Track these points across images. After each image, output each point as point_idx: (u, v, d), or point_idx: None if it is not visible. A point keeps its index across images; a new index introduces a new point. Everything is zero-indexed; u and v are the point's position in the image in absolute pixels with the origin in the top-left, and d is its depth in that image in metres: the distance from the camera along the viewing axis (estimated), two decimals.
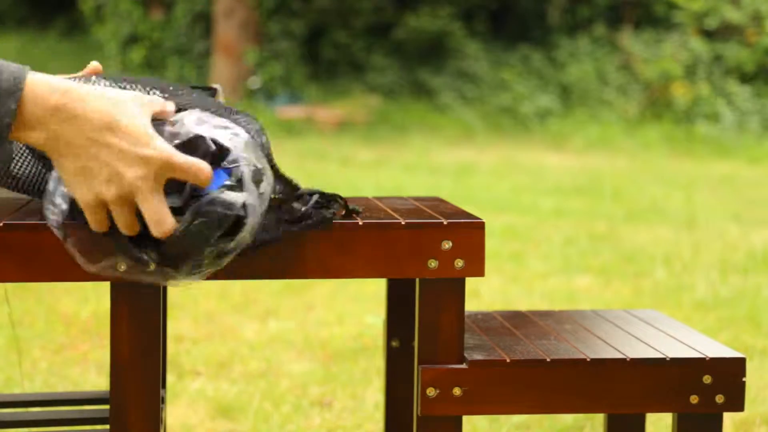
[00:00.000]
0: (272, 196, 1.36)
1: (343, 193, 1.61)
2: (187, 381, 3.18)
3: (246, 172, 1.29)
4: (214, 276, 1.42)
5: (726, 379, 1.53)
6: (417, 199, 1.74)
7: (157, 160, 1.24)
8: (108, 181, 1.24)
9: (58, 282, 1.41)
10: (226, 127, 1.32)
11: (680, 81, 13.04)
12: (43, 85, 1.23)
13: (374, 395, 3.09)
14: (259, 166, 1.31)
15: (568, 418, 2.88)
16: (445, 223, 1.45)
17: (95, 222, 1.29)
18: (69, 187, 1.27)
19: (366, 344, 3.62)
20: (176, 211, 1.28)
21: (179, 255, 1.30)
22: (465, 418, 1.55)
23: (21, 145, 1.43)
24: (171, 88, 1.39)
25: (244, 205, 1.29)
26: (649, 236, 5.99)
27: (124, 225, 1.28)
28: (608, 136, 12.00)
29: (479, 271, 1.46)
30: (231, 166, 1.29)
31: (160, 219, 1.26)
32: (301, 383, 3.19)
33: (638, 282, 4.71)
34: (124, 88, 1.37)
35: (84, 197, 1.26)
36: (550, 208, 6.96)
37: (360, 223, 1.44)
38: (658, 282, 4.73)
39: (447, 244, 1.45)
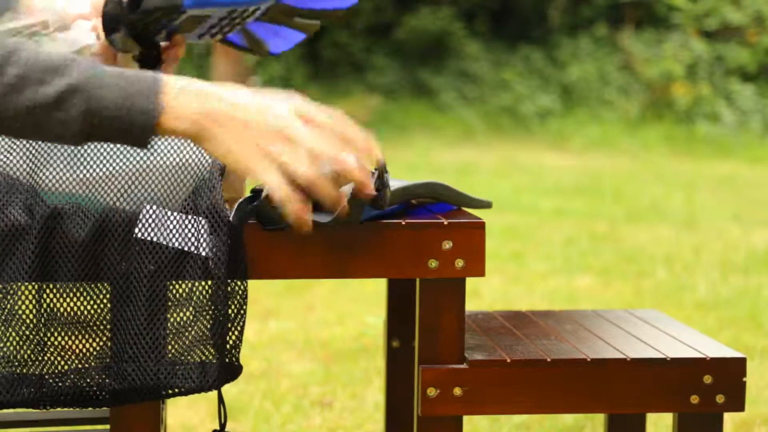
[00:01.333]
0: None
1: None
2: None
3: None
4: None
5: (726, 379, 1.53)
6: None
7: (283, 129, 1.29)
8: (260, 134, 1.27)
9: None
10: None
11: (681, 81, 13.03)
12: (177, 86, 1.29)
13: (374, 395, 3.09)
14: None
15: (568, 418, 2.88)
16: (445, 223, 1.45)
17: (273, 185, 1.27)
18: (232, 165, 1.27)
19: (366, 344, 3.62)
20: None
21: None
22: (465, 418, 1.55)
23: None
24: None
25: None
26: (650, 236, 5.99)
27: (292, 164, 1.28)
28: (609, 136, 12.00)
29: (480, 271, 1.46)
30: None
31: (314, 152, 1.28)
32: (301, 383, 3.19)
33: (639, 282, 4.71)
34: None
35: (250, 160, 1.27)
36: (550, 208, 6.96)
37: (360, 223, 1.44)
38: (659, 282, 4.73)
39: (447, 244, 1.45)
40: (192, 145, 1.41)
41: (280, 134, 1.27)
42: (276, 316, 4.00)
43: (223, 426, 1.48)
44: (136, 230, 1.35)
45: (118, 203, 1.37)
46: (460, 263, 1.45)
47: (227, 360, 1.38)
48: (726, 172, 9.57)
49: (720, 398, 1.53)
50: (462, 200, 1.59)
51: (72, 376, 1.36)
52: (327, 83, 13.41)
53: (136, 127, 1.26)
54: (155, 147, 1.40)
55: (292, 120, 1.29)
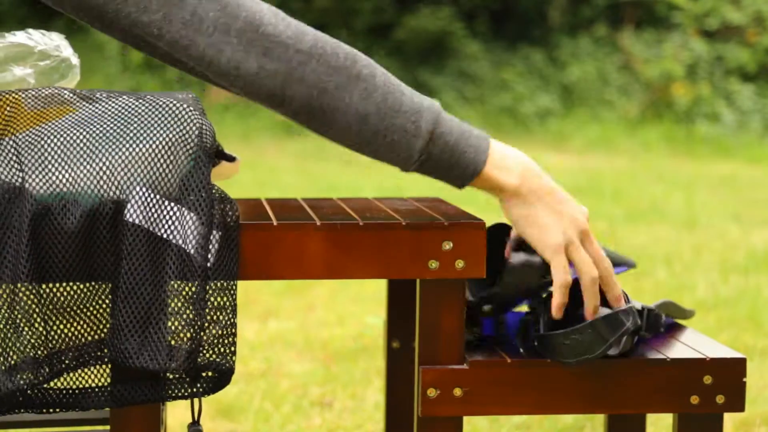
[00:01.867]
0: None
1: (344, 194, 1.61)
2: None
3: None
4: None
5: (726, 379, 1.53)
6: (417, 199, 1.74)
7: (585, 225, 1.46)
8: (571, 221, 1.43)
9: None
10: None
11: (681, 81, 13.03)
12: (505, 146, 1.45)
13: (374, 395, 3.09)
14: None
15: (568, 418, 2.88)
16: (445, 223, 1.45)
17: (560, 267, 1.44)
18: (535, 234, 1.43)
19: (366, 344, 3.62)
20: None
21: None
22: (465, 419, 1.55)
23: None
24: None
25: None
26: (650, 236, 5.99)
27: (587, 261, 1.46)
28: (609, 136, 12.00)
29: (480, 272, 1.46)
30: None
31: (601, 256, 1.47)
32: (301, 383, 3.19)
33: (639, 282, 4.71)
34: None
35: (555, 238, 1.43)
36: None
37: (361, 223, 1.44)
38: (659, 282, 4.73)
39: (447, 245, 1.45)
40: (175, 130, 1.40)
41: (582, 227, 1.44)
42: (276, 316, 4.00)
43: (197, 420, 1.47)
44: (126, 213, 1.35)
45: (106, 194, 1.37)
46: (460, 264, 1.45)
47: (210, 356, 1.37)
48: (726, 172, 9.57)
49: (720, 398, 1.53)
50: (610, 258, 1.82)
51: (70, 356, 1.37)
52: None
53: (466, 164, 1.39)
54: (139, 135, 1.39)
55: (586, 221, 1.46)
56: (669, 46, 13.42)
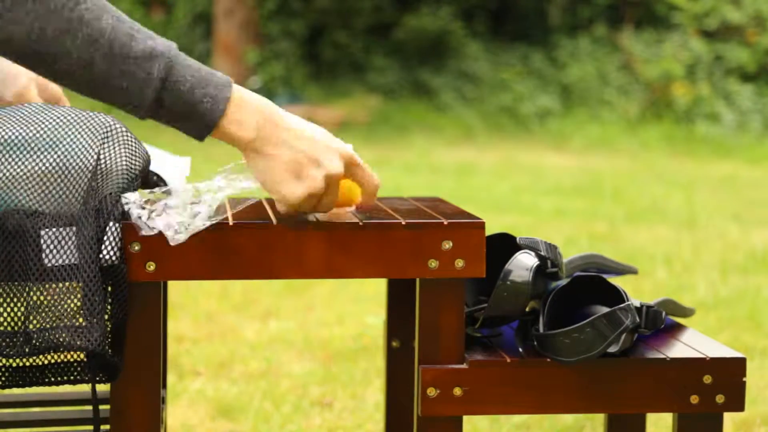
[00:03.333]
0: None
1: None
2: (187, 381, 3.18)
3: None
4: (214, 276, 1.42)
5: (726, 379, 1.53)
6: (417, 199, 1.74)
7: (345, 152, 1.40)
8: (317, 167, 1.37)
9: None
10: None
11: (681, 81, 13.04)
12: (246, 92, 1.38)
13: (374, 395, 3.09)
14: None
15: (568, 418, 2.88)
16: (445, 223, 1.45)
17: (300, 209, 1.41)
18: (274, 187, 1.38)
19: (366, 344, 3.62)
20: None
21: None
22: (465, 418, 1.55)
23: None
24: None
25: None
26: (650, 236, 5.99)
27: (329, 205, 1.41)
28: (608, 136, 12.00)
29: (480, 271, 1.46)
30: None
31: (371, 177, 1.44)
32: (301, 383, 3.19)
33: (639, 282, 4.71)
34: None
35: (295, 191, 1.37)
36: (550, 208, 6.96)
37: (360, 223, 1.44)
38: (659, 282, 4.73)
39: (447, 244, 1.45)
40: (108, 152, 1.41)
41: (331, 169, 1.39)
42: (276, 316, 4.00)
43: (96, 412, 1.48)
44: (44, 259, 1.36)
45: (22, 203, 1.38)
46: (460, 263, 1.45)
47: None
48: (726, 172, 9.57)
49: (720, 398, 1.53)
50: (612, 267, 1.86)
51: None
52: (327, 83, 13.40)
53: (201, 114, 1.34)
54: (68, 149, 1.39)
55: (342, 157, 1.40)
56: (669, 46, 13.42)
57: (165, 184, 1.53)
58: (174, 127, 1.35)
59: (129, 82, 1.31)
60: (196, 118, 1.34)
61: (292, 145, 1.36)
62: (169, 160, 1.58)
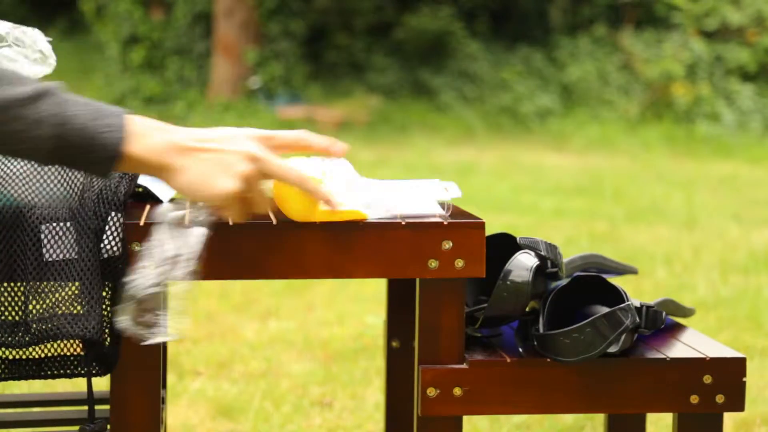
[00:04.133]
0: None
1: None
2: (187, 381, 3.18)
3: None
4: (215, 276, 1.42)
5: (726, 379, 1.53)
6: None
7: (248, 152, 1.33)
8: (227, 170, 1.32)
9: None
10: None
11: (681, 81, 13.03)
12: (139, 116, 1.32)
13: (374, 395, 3.09)
14: None
15: (568, 418, 2.88)
16: (445, 223, 1.45)
17: (234, 212, 1.35)
18: (200, 195, 1.32)
19: (366, 344, 3.62)
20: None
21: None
22: (465, 418, 1.55)
23: None
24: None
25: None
26: (650, 236, 5.99)
27: (262, 204, 1.36)
28: (609, 136, 12.00)
29: (479, 271, 1.46)
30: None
31: (288, 170, 1.36)
32: (301, 383, 3.19)
33: (639, 282, 4.71)
34: None
35: (220, 193, 1.31)
36: (550, 208, 6.96)
37: (361, 223, 1.44)
38: (659, 282, 4.73)
39: (447, 244, 1.45)
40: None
41: (240, 169, 1.32)
42: (276, 316, 4.00)
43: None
44: (45, 253, 1.38)
45: (20, 198, 1.40)
46: (460, 263, 1.45)
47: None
48: (726, 172, 9.57)
49: (720, 398, 1.53)
50: (612, 267, 1.88)
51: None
52: (327, 83, 13.40)
53: (103, 145, 1.27)
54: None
55: (249, 154, 1.34)
56: (669, 46, 13.42)
57: (154, 197, 1.56)
58: (78, 167, 1.30)
59: (21, 126, 1.26)
60: (99, 150, 1.27)
61: (198, 155, 1.32)
62: None
